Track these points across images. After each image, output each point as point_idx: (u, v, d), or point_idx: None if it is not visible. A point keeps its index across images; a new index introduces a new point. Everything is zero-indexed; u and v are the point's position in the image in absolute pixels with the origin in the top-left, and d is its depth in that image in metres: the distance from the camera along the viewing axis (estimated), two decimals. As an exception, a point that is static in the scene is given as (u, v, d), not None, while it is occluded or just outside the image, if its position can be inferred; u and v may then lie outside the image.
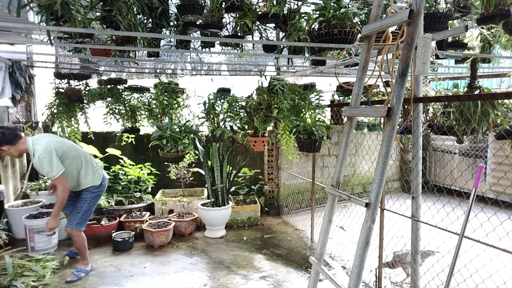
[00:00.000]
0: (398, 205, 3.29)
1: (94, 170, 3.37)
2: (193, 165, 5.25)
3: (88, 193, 3.38)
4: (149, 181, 5.17)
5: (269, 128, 4.89)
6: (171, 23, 3.14)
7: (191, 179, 5.25)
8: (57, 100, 3.98)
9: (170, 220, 4.58)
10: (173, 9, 3.16)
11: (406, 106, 3.21)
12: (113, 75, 5.22)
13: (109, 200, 4.70)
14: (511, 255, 3.34)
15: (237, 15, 3.22)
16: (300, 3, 3.25)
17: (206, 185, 5.10)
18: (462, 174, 5.99)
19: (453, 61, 4.44)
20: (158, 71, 5.05)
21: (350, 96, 2.30)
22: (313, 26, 3.00)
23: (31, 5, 2.12)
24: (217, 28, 2.91)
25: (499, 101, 2.69)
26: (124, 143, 4.98)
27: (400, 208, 3.10)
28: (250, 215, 5.14)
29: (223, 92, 4.08)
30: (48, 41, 2.39)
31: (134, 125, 4.36)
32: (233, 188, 5.44)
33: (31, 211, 4.22)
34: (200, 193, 5.53)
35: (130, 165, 5.10)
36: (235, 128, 4.16)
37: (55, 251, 4.01)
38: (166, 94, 4.18)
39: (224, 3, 2.89)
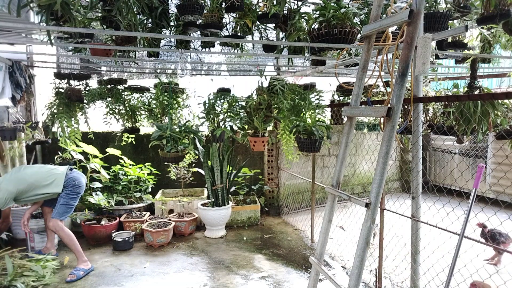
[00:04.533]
0: (398, 205, 3.29)
1: (51, 183, 3.55)
2: (193, 165, 5.24)
3: (61, 194, 3.60)
4: (149, 181, 5.17)
5: (269, 128, 4.89)
6: (171, 23, 3.13)
7: (191, 179, 5.24)
8: (57, 100, 3.98)
9: (170, 220, 4.58)
10: (173, 9, 3.16)
11: (406, 106, 3.21)
12: (114, 75, 5.22)
13: (109, 200, 4.70)
14: (511, 255, 3.35)
15: (237, 15, 3.22)
16: (300, 3, 3.24)
17: (206, 185, 5.09)
18: (462, 174, 5.99)
19: (453, 61, 4.44)
20: (158, 71, 5.05)
21: (350, 96, 2.30)
22: (313, 26, 3.00)
23: (31, 5, 2.12)
24: (217, 28, 2.91)
25: (499, 101, 2.69)
26: (124, 143, 4.98)
27: (400, 208, 3.10)
28: (250, 215, 5.14)
29: (223, 92, 4.08)
30: (48, 41, 2.39)
31: (134, 125, 4.36)
32: (233, 188, 5.44)
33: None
34: (200, 193, 5.53)
35: (130, 165, 5.10)
36: (235, 128, 4.16)
37: (55, 251, 4.00)
38: (166, 94, 4.18)
39: (224, 3, 2.89)
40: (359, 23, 3.10)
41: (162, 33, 3.12)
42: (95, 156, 4.88)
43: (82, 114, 4.19)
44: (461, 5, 2.99)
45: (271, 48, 3.57)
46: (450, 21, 3.19)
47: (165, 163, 4.88)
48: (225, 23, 3.27)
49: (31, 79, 4.27)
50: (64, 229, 3.53)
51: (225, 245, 4.36)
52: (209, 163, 4.75)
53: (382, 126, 2.23)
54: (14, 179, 3.41)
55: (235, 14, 3.23)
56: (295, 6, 3.25)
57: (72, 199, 3.60)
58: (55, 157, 4.59)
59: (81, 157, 4.71)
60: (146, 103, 4.33)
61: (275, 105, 3.92)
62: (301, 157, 5.63)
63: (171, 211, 4.97)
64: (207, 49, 3.54)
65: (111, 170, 5.03)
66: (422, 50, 1.91)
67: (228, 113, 4.04)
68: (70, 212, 3.63)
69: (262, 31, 3.54)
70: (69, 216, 3.81)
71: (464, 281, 2.68)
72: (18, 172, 3.51)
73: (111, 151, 5.04)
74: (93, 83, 4.35)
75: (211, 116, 4.04)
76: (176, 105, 4.37)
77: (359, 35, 2.91)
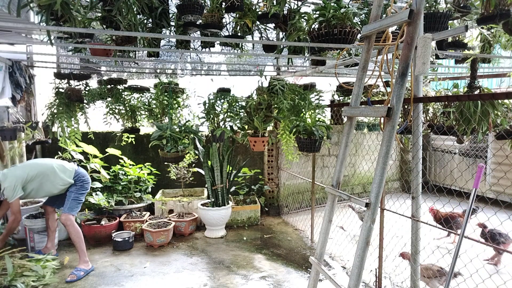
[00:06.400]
0: (398, 205, 3.29)
1: (65, 172, 3.63)
2: (193, 165, 5.24)
3: (70, 189, 3.68)
4: (149, 181, 5.17)
5: (269, 128, 4.89)
6: (171, 23, 3.13)
7: (191, 179, 5.24)
8: (57, 100, 3.98)
9: (170, 220, 4.58)
10: (173, 9, 3.16)
11: (406, 106, 3.21)
12: (114, 75, 5.21)
13: (109, 200, 4.70)
14: (511, 255, 3.35)
15: (237, 15, 3.22)
16: (300, 3, 3.24)
17: (206, 185, 5.09)
18: (462, 174, 5.99)
19: (453, 61, 4.44)
20: (158, 71, 5.05)
21: (350, 96, 2.30)
22: (313, 26, 2.99)
23: (31, 5, 2.12)
24: (217, 28, 2.91)
25: (499, 101, 2.69)
26: (124, 143, 4.98)
27: (400, 208, 3.11)
28: (250, 215, 5.14)
29: (223, 92, 4.08)
30: (48, 41, 2.39)
31: (134, 125, 4.35)
32: (233, 188, 5.44)
33: (31, 211, 4.23)
34: (200, 193, 5.53)
35: (130, 165, 5.10)
36: (235, 128, 4.16)
37: (55, 250, 4.00)
38: (166, 94, 4.18)
39: (224, 3, 2.89)
40: (359, 23, 3.10)
41: (162, 33, 3.12)
42: (95, 156, 4.88)
43: (82, 114, 4.19)
44: (461, 5, 2.99)
45: (271, 48, 3.57)
46: (450, 21, 3.19)
47: (165, 163, 4.88)
48: (225, 23, 3.27)
49: (31, 79, 4.27)
50: (74, 224, 3.59)
51: (225, 245, 4.36)
52: (209, 163, 4.75)
53: (382, 126, 2.23)
54: (21, 166, 3.46)
55: (235, 14, 3.23)
56: (295, 6, 3.25)
57: (82, 195, 3.69)
58: (55, 157, 4.59)
59: (81, 157, 4.71)
60: (146, 103, 4.33)
61: (275, 105, 3.92)
62: (301, 157, 5.62)
63: (171, 211, 4.96)
64: (207, 49, 3.53)
65: (111, 170, 5.02)
66: (422, 50, 1.91)
67: (228, 113, 4.04)
68: (79, 208, 3.70)
69: (262, 31, 3.54)
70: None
71: (464, 281, 2.68)
72: (24, 163, 3.56)
73: (111, 151, 5.03)
74: (93, 83, 4.35)
75: (211, 116, 4.04)
76: (176, 105, 4.37)
77: (359, 35, 2.91)
